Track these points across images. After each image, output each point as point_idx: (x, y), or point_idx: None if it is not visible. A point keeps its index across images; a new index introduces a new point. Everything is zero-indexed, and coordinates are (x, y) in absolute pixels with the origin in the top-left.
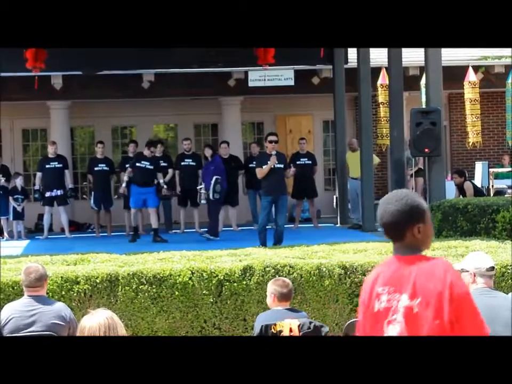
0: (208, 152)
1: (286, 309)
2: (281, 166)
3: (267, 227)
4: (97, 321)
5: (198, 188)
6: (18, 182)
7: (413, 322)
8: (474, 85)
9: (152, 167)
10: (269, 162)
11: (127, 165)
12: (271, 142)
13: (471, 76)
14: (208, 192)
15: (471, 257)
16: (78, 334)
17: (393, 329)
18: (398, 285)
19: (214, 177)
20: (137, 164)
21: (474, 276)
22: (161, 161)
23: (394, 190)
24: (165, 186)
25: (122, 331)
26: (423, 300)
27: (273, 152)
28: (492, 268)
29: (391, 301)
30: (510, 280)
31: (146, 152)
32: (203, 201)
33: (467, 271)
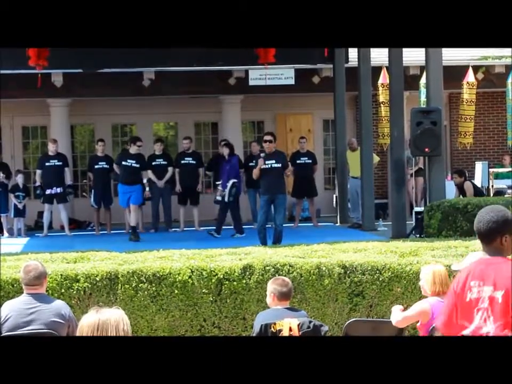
0: (225, 151)
1: (285, 308)
2: (279, 165)
3: (267, 226)
4: (89, 320)
5: (216, 183)
6: (20, 179)
7: (496, 309)
8: (472, 86)
9: (138, 165)
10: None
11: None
12: (265, 141)
13: (470, 77)
14: (224, 193)
15: (469, 257)
16: (77, 332)
17: (480, 314)
18: (484, 279)
19: (231, 181)
20: (123, 163)
21: None
22: (161, 160)
23: (394, 188)
24: (147, 189)
25: (118, 334)
26: (505, 292)
27: (262, 155)
28: None
29: (480, 292)
30: None
31: (132, 149)
32: (218, 198)
33: None
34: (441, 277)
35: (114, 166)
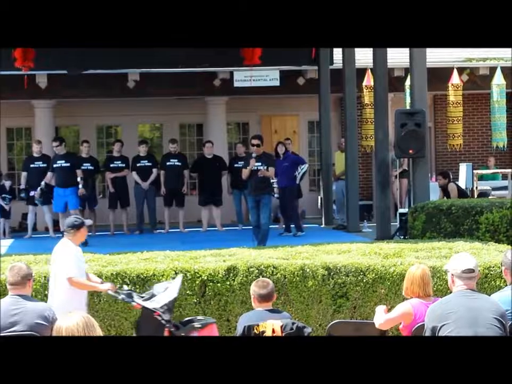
0: (280, 150)
1: (268, 309)
2: (264, 167)
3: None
4: (74, 320)
5: (272, 181)
6: (7, 182)
7: None
8: (457, 88)
9: (68, 164)
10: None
11: (111, 165)
12: (253, 145)
13: (455, 78)
14: (297, 176)
15: (452, 259)
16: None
17: None
18: None
19: (306, 165)
20: (54, 165)
21: (453, 276)
22: (145, 161)
23: (378, 190)
24: (80, 186)
25: (99, 330)
26: None
27: (253, 155)
28: (469, 270)
29: None
30: (493, 282)
31: (56, 149)
32: (276, 195)
33: (449, 272)
34: (409, 278)
35: (49, 173)
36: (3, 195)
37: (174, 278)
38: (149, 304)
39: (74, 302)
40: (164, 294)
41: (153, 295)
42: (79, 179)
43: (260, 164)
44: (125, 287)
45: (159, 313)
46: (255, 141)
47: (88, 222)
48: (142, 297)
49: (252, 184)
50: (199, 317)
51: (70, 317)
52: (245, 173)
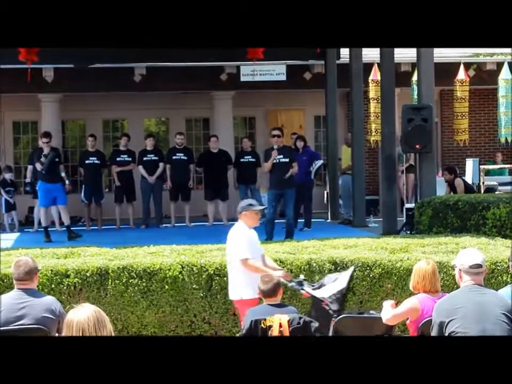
0: (299, 144)
1: (274, 304)
2: (287, 160)
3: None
4: (85, 314)
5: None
6: (8, 175)
7: None
8: (463, 83)
9: (57, 159)
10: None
11: (118, 159)
12: (273, 136)
13: (460, 74)
14: (311, 172)
15: (460, 254)
16: (65, 329)
17: None
18: None
19: (320, 161)
20: (41, 159)
21: (460, 272)
22: (152, 155)
23: (385, 185)
24: (67, 182)
25: (109, 326)
26: None
27: (275, 146)
28: (477, 265)
29: None
30: (500, 277)
31: (42, 145)
32: None
33: (457, 267)
34: (420, 273)
35: (37, 164)
36: (7, 188)
37: (345, 269)
38: (317, 293)
39: (249, 285)
40: (333, 284)
41: (322, 285)
42: (63, 174)
43: (281, 156)
44: (301, 276)
45: (327, 303)
46: (275, 132)
47: (258, 207)
48: (313, 286)
49: (276, 177)
50: (371, 311)
51: (82, 310)
52: (267, 166)
